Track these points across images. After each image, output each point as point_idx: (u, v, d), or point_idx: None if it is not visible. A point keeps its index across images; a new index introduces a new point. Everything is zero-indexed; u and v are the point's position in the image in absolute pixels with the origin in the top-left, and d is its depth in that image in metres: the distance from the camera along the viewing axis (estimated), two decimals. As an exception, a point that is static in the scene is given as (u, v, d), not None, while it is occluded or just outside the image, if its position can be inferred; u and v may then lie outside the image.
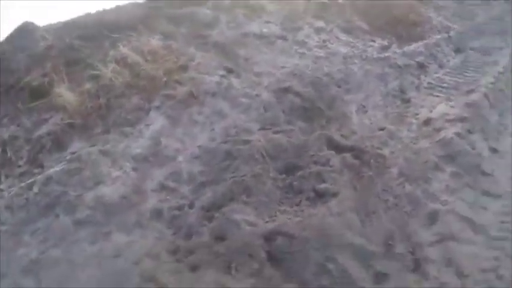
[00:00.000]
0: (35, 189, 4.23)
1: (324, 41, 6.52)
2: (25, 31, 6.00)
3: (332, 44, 6.52)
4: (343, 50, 6.42)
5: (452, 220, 4.00)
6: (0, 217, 4.12)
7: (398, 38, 7.26)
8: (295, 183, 4.14)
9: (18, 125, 5.04)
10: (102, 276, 3.58)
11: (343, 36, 6.83)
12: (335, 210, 3.81)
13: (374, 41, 6.96)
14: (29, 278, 3.61)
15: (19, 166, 4.67)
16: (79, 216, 3.95)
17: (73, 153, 4.54)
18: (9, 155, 4.73)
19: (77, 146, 4.62)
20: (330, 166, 4.29)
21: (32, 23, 6.15)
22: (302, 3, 7.33)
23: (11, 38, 6.04)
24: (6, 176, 4.62)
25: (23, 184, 4.34)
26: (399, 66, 6.58)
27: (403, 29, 7.53)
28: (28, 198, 4.18)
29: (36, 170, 4.57)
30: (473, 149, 4.89)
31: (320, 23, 6.91)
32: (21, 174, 4.58)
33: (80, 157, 4.41)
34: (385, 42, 7.02)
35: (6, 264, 3.77)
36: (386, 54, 6.63)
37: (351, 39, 6.81)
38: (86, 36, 5.80)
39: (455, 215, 4.06)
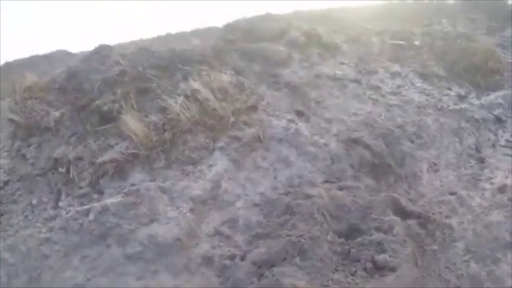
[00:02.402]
0: (91, 216, 4.28)
1: (398, 86, 6.29)
2: (101, 54, 6.11)
3: (407, 90, 6.27)
4: (417, 98, 6.15)
5: (515, 314, 3.69)
6: (54, 236, 4.21)
7: (476, 87, 6.85)
8: (353, 250, 3.94)
9: (84, 146, 5.15)
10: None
11: (418, 83, 6.56)
12: (392, 288, 3.57)
13: (450, 89, 6.63)
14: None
15: (80, 188, 4.78)
16: (129, 251, 3.99)
17: (133, 185, 4.56)
18: (72, 175, 4.83)
19: (138, 177, 4.65)
20: (393, 235, 4.04)
21: (108, 46, 6.27)
22: (378, 44, 7.14)
23: (86, 59, 6.18)
24: (67, 195, 4.75)
25: (79, 209, 4.41)
26: (476, 120, 6.23)
27: (481, 77, 7.09)
28: (83, 224, 4.25)
29: (95, 196, 4.64)
30: (553, 230, 4.49)
31: (395, 67, 6.67)
32: (81, 196, 4.69)
33: (139, 191, 4.42)
34: (462, 92, 6.66)
35: (51, 283, 3.86)
36: (463, 106, 6.29)
37: (426, 86, 6.52)
38: (159, 66, 5.82)
39: (520, 307, 3.74)
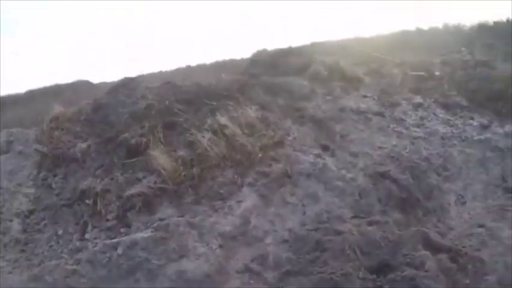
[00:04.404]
0: (120, 250, 4.35)
1: (421, 118, 6.31)
2: (127, 87, 6.23)
3: (430, 121, 6.29)
4: (441, 129, 6.17)
5: None
6: (81, 269, 4.27)
7: (498, 115, 6.84)
8: (385, 286, 3.92)
9: (111, 179, 5.23)
10: None
11: (441, 113, 6.57)
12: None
13: (473, 119, 6.62)
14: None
15: (107, 220, 4.86)
16: (158, 286, 4.02)
17: (161, 219, 4.63)
18: (99, 207, 4.92)
19: (166, 212, 4.72)
20: (425, 270, 4.02)
21: (133, 79, 6.40)
22: (399, 75, 7.18)
23: (112, 91, 6.30)
24: (93, 227, 4.84)
25: (108, 242, 4.48)
26: (501, 150, 6.20)
27: (503, 104, 7.07)
28: (111, 258, 4.30)
29: (122, 229, 4.71)
30: None
31: (417, 98, 6.70)
32: (108, 229, 4.77)
33: (168, 226, 4.49)
34: (485, 121, 6.64)
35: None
36: (487, 135, 6.26)
37: (449, 117, 6.53)
38: (185, 101, 5.96)
39: None
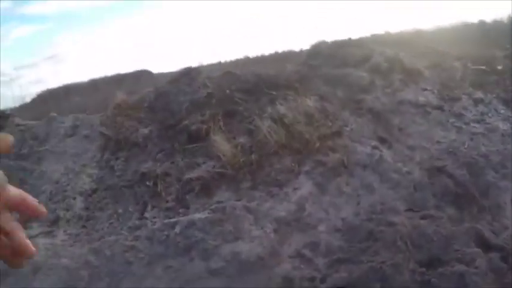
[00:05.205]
0: (177, 229, 4.59)
1: (482, 114, 6.19)
2: (188, 76, 6.43)
3: (491, 117, 6.16)
4: (502, 126, 6.04)
5: None
6: (139, 244, 4.52)
7: None
8: (434, 280, 3.98)
9: (172, 163, 5.44)
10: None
11: (502, 109, 6.42)
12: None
13: (536, 116, 6.46)
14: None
15: (166, 201, 5.07)
16: (213, 266, 4.25)
17: (219, 202, 4.80)
18: (159, 189, 5.13)
19: (224, 196, 4.89)
20: (475, 267, 4.07)
21: (194, 69, 6.60)
22: (459, 69, 7.02)
23: (174, 81, 6.51)
24: (153, 207, 5.05)
25: (166, 221, 4.73)
26: None
27: None
28: (169, 236, 4.56)
29: (181, 210, 4.92)
30: None
31: (478, 93, 6.56)
32: (167, 209, 4.99)
33: (225, 209, 4.68)
34: (548, 119, 6.49)
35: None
36: (549, 134, 6.13)
37: (510, 114, 6.38)
38: (245, 90, 6.11)
39: None
